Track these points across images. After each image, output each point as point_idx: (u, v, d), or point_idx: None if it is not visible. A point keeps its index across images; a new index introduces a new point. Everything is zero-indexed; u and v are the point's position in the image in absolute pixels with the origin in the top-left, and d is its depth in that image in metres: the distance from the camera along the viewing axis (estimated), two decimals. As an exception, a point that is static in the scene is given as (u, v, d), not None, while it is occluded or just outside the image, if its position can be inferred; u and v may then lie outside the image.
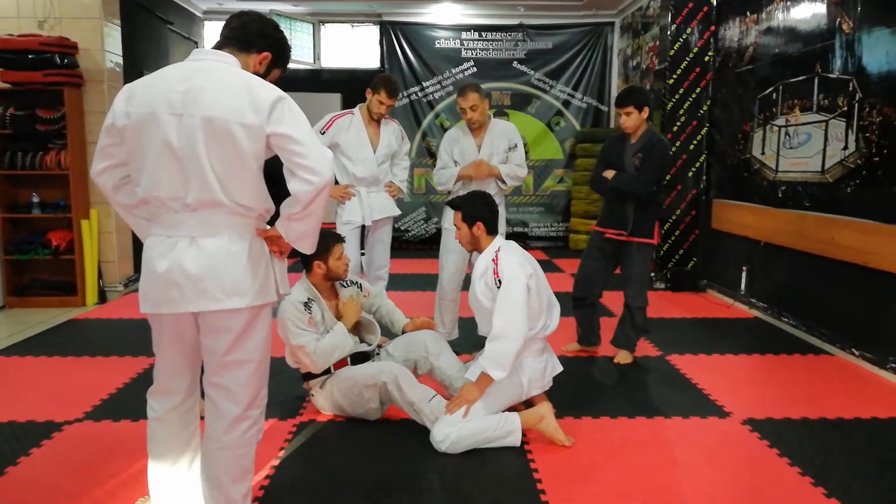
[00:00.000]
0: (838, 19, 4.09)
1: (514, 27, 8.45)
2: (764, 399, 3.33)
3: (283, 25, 8.61)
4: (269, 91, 1.82)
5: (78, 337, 4.48)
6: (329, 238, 2.97)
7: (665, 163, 3.79)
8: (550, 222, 8.61)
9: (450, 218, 4.06)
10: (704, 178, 5.94)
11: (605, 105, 8.65)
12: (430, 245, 8.43)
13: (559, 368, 3.01)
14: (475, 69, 8.49)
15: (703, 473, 2.58)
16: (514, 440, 2.73)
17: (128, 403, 3.23)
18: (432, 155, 8.51)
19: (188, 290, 1.83)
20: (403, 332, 3.33)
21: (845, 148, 4.01)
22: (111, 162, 1.93)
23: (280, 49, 2.03)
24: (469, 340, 4.15)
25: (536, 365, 2.86)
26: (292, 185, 1.83)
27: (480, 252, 2.92)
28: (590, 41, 8.55)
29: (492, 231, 2.92)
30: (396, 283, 5.01)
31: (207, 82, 1.81)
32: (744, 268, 5.25)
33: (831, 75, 4.15)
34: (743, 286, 5.28)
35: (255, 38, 1.96)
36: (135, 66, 5.96)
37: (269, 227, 2.00)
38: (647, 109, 3.65)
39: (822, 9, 4.27)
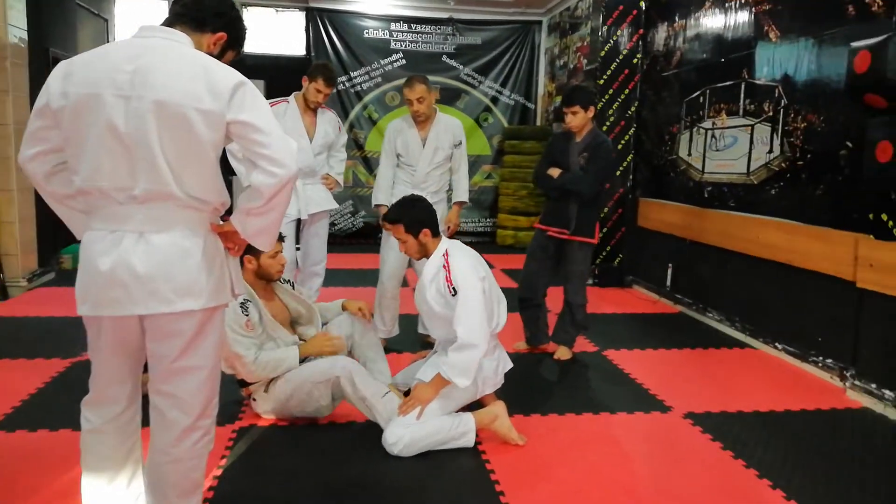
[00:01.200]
0: (765, 27, 4.27)
1: (444, 21, 8.39)
2: (700, 393, 3.43)
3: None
4: (229, 74, 1.68)
5: (-22, 337, 4.09)
6: None
7: (610, 163, 3.84)
8: (478, 218, 8.63)
9: None
10: (631, 177, 6.09)
11: (531, 102, 8.74)
12: (357, 239, 8.28)
13: (510, 365, 2.97)
14: (404, 61, 8.37)
15: (654, 468, 2.62)
16: (469, 441, 2.69)
17: (44, 410, 2.96)
18: (360, 147, 8.35)
19: (135, 290, 1.66)
20: (344, 310, 3.25)
21: (770, 151, 4.20)
22: (43, 147, 1.73)
23: (236, 30, 1.87)
24: (409, 338, 4.08)
25: (489, 364, 2.81)
26: (254, 177, 1.69)
27: (428, 257, 2.83)
28: (518, 38, 8.61)
29: (436, 233, 2.83)
30: (331, 278, 4.85)
31: (159, 62, 1.64)
32: (669, 265, 5.43)
33: (758, 81, 4.34)
34: (668, 282, 5.45)
35: (209, 17, 1.80)
36: (40, 43, 5.49)
37: (221, 221, 1.85)
38: (592, 109, 3.68)
39: (748, 17, 4.45)
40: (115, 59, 1.65)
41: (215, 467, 2.50)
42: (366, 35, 8.29)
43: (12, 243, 5.06)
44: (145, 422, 1.90)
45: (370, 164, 8.36)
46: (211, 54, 1.80)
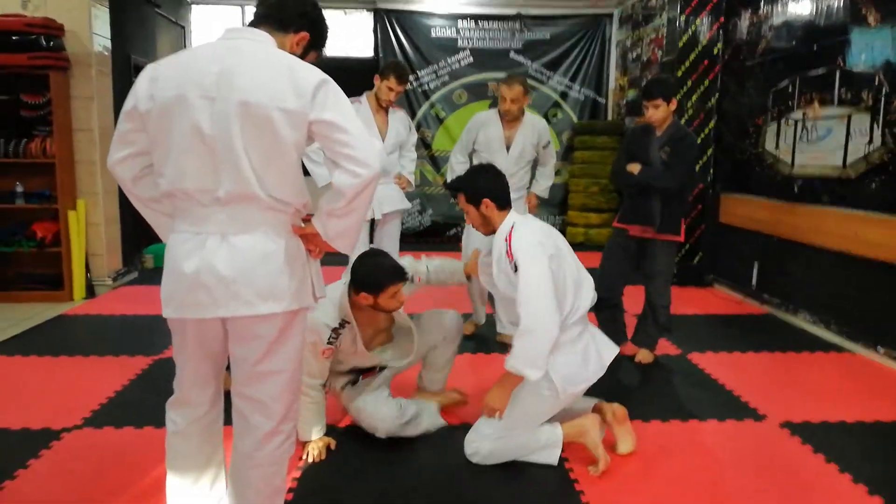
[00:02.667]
0: (863, 10, 3.97)
1: (512, 17, 8.25)
2: (795, 400, 3.22)
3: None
4: (312, 73, 1.64)
5: (68, 334, 4.25)
6: (385, 275, 2.48)
7: (694, 156, 3.66)
8: (547, 215, 8.46)
9: None
10: (711, 171, 5.82)
11: (602, 97, 8.51)
12: (426, 237, 8.24)
13: (612, 352, 2.56)
14: (471, 59, 8.29)
15: (751, 483, 2.46)
16: (552, 456, 2.51)
17: (130, 408, 3.03)
18: (427, 146, 8.32)
19: (218, 292, 1.64)
20: (468, 277, 2.95)
21: (870, 142, 3.91)
22: (131, 150, 1.74)
23: (319, 29, 1.84)
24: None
25: (570, 359, 2.44)
26: (337, 177, 1.64)
27: (495, 232, 2.55)
28: (588, 32, 8.39)
29: (503, 205, 2.53)
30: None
31: (244, 63, 1.62)
32: (755, 262, 5.16)
33: (854, 69, 4.04)
34: (754, 281, 5.18)
35: (292, 17, 1.77)
36: (123, 50, 5.69)
37: (303, 223, 1.82)
38: (674, 101, 3.51)
39: (842, 1, 4.16)
40: (201, 62, 1.63)
41: (294, 468, 2.48)
42: (433, 34, 8.24)
43: (99, 244, 5.26)
44: (228, 422, 1.90)
45: (437, 163, 8.32)
46: (294, 54, 1.77)
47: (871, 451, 2.71)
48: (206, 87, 1.60)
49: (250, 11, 8.07)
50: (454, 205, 8.02)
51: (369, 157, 1.63)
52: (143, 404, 3.05)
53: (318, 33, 1.84)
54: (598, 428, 2.56)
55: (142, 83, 1.68)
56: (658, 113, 3.48)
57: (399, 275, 2.52)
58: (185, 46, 7.93)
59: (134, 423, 2.86)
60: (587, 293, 2.52)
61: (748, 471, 2.54)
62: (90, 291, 5.19)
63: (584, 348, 2.50)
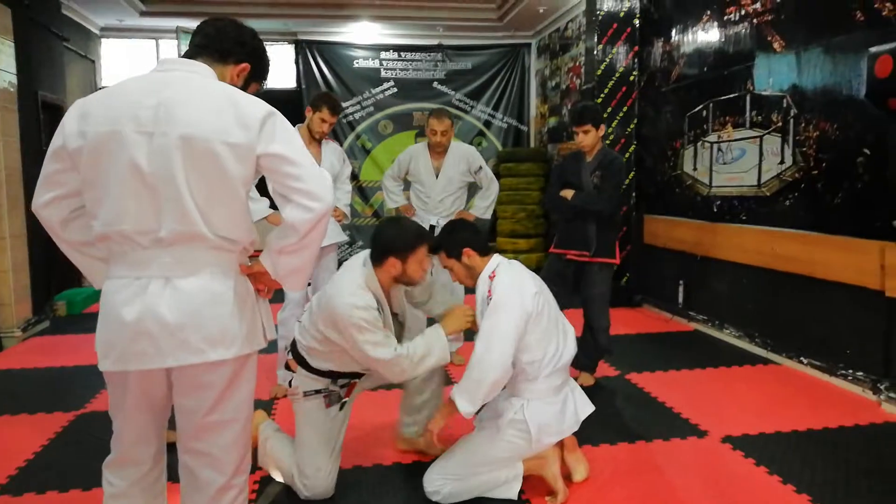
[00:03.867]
0: (768, 38, 4.24)
1: (433, 48, 8.38)
2: (732, 414, 3.32)
3: (191, 44, 8.19)
4: (257, 106, 1.58)
5: (-25, 393, 3.90)
6: (414, 233, 2.43)
7: (623, 178, 3.78)
8: (476, 242, 8.54)
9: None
10: (634, 194, 6.03)
11: (524, 125, 8.71)
12: (355, 270, 8.13)
13: (588, 409, 2.54)
14: (395, 89, 8.33)
15: (702, 499, 2.49)
16: (512, 490, 2.47)
17: (52, 470, 2.79)
18: (355, 177, 8.26)
19: (164, 341, 1.54)
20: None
21: (782, 162, 4.14)
22: (60, 192, 1.61)
23: (260, 60, 1.78)
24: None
25: (548, 408, 2.42)
26: (288, 212, 1.58)
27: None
28: (508, 62, 8.61)
29: (484, 252, 2.54)
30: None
31: (182, 95, 1.54)
32: (680, 281, 5.35)
33: (764, 92, 4.30)
34: (681, 300, 5.36)
35: (232, 47, 1.71)
36: (30, 86, 5.38)
37: (249, 261, 1.73)
38: (602, 127, 3.62)
39: (749, 29, 4.43)
40: (136, 95, 1.54)
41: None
42: (356, 65, 8.25)
43: (6, 292, 4.89)
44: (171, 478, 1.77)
45: (366, 194, 8.26)
46: (234, 87, 1.70)
47: (808, 459, 2.81)
48: (143, 121, 1.51)
49: (165, 45, 7.84)
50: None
51: (322, 190, 1.58)
52: (67, 465, 2.82)
53: (260, 64, 1.78)
54: (558, 460, 2.55)
55: (70, 120, 1.57)
56: (588, 138, 3.57)
57: (427, 236, 2.48)
58: (95, 81, 7.60)
59: (58, 486, 2.63)
60: (571, 342, 2.53)
61: (697, 488, 2.59)
62: (-2, 344, 4.81)
63: (564, 400, 2.49)
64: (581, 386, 3.69)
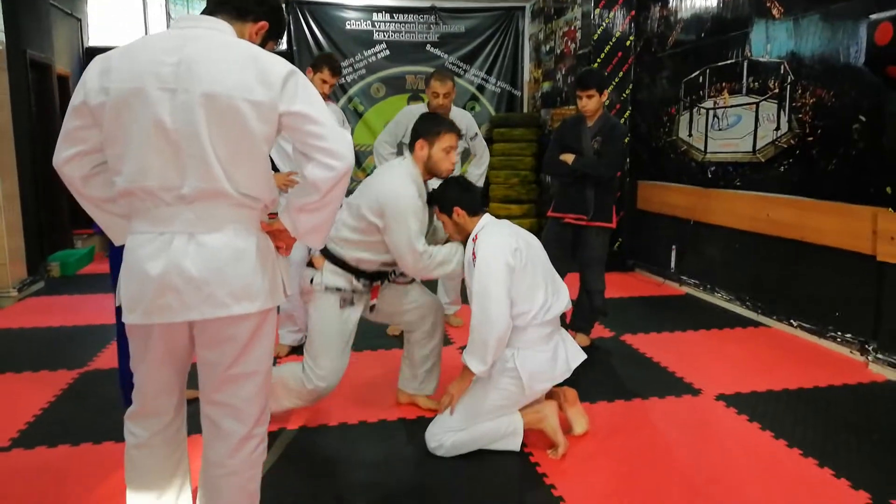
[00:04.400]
0: (767, 3, 4.25)
1: (426, 9, 8.27)
2: (725, 374, 3.42)
3: (180, 5, 8.02)
4: (280, 64, 1.58)
5: (-25, 352, 3.92)
6: (442, 122, 2.71)
7: (624, 144, 3.81)
8: (468, 208, 8.56)
9: None
10: (628, 160, 6.07)
11: (518, 90, 8.67)
12: (348, 234, 8.15)
13: (579, 357, 2.63)
14: (388, 52, 8.24)
15: (698, 454, 2.59)
16: (514, 443, 2.56)
17: (62, 425, 2.83)
18: (347, 141, 8.21)
19: (189, 295, 1.56)
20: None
21: (777, 128, 4.19)
22: (82, 148, 1.62)
23: (278, 18, 1.78)
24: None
25: (538, 356, 2.51)
26: (309, 170, 1.60)
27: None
28: (502, 25, 8.52)
29: (474, 212, 2.62)
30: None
31: (204, 53, 1.54)
32: (673, 246, 5.42)
33: (761, 59, 4.32)
34: (673, 264, 5.45)
35: (251, 5, 1.70)
36: (18, 45, 5.28)
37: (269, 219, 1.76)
38: (606, 93, 3.65)
39: (748, -6, 4.43)
40: (157, 52, 1.54)
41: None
42: (348, 26, 8.14)
43: (1, 253, 4.87)
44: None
45: (358, 159, 8.22)
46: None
47: (799, 416, 2.91)
48: (165, 78, 1.52)
49: (152, 3, 7.68)
50: (377, 199, 7.96)
51: (343, 148, 1.60)
52: (77, 420, 2.87)
53: (278, 22, 1.78)
54: (556, 413, 2.63)
55: (92, 75, 1.57)
56: (591, 103, 3.60)
57: (454, 127, 2.71)
58: (82, 39, 7.45)
59: (69, 440, 2.68)
60: (563, 297, 2.61)
61: (694, 443, 2.69)
62: (-7, 304, 4.81)
63: (555, 348, 2.57)
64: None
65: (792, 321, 4.12)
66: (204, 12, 1.69)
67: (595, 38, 5.93)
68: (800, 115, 3.99)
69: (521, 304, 2.47)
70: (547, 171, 4.15)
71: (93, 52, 5.67)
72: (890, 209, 3.29)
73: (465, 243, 2.65)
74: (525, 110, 8.65)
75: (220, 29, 1.62)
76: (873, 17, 3.02)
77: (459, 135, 2.76)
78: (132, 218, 1.63)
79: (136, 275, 1.59)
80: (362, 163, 8.18)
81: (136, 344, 1.72)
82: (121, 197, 1.62)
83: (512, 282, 2.44)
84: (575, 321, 3.94)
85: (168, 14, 7.58)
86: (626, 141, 3.79)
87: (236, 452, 1.72)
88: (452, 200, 2.63)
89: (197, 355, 1.70)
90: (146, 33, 6.93)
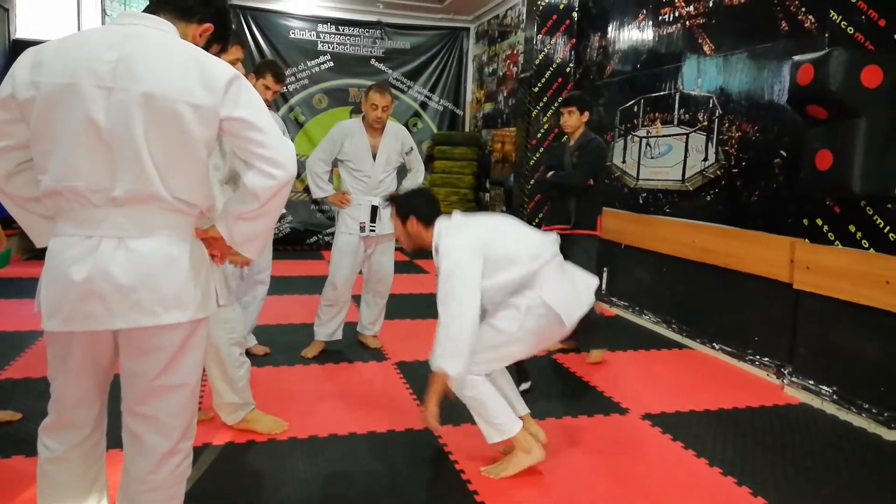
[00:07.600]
0: (699, 40, 4.45)
1: (372, 24, 8.30)
2: (650, 394, 3.52)
3: (119, 6, 7.77)
4: (223, 68, 1.55)
5: None
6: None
7: (600, 157, 3.96)
8: (407, 223, 8.57)
9: (346, 220, 3.88)
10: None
11: (460, 109, 8.78)
12: (284, 245, 8.01)
13: (594, 282, 2.67)
14: (332, 63, 8.22)
15: (626, 471, 2.65)
16: (493, 437, 2.53)
17: (-34, 437, 2.66)
18: (286, 150, 8.11)
19: (115, 302, 1.50)
20: None
21: (705, 159, 4.38)
22: (6, 143, 1.55)
23: (224, 21, 1.74)
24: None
25: (561, 286, 2.51)
26: (249, 178, 1.57)
27: (427, 249, 2.62)
28: (447, 44, 8.64)
29: (428, 222, 2.60)
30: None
31: (145, 52, 1.50)
32: (605, 268, 5.57)
33: (692, 92, 4.52)
34: (604, 286, 5.59)
35: (196, 5, 1.66)
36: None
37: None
38: (587, 114, 3.91)
39: (682, 31, 4.64)
40: (94, 47, 1.49)
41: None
42: (291, 35, 8.08)
43: None
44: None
45: (298, 169, 8.12)
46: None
47: (719, 435, 3.03)
48: (101, 75, 1.47)
49: (87, -3, 7.40)
50: (314, 212, 7.87)
51: (285, 158, 1.58)
52: (-12, 432, 2.70)
53: (223, 25, 1.75)
54: (539, 459, 2.59)
55: (21, 69, 1.50)
56: (571, 119, 3.91)
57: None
58: (9, 31, 7.10)
59: (-17, 453, 2.52)
60: (553, 242, 2.62)
61: (620, 461, 2.75)
62: None
63: (572, 278, 2.63)
64: (594, 363, 3.96)
65: (714, 344, 4.28)
66: (147, 10, 1.64)
67: (537, 62, 6.07)
68: (726, 148, 4.19)
69: (522, 254, 2.48)
70: (539, 192, 4.43)
71: (21, 45, 5.42)
72: (806, 240, 3.48)
73: (415, 251, 2.70)
74: (466, 129, 8.77)
75: (163, 28, 1.58)
76: (796, 58, 3.21)
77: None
78: (57, 219, 1.56)
79: (58, 279, 1.52)
80: (301, 174, 8.08)
81: (55, 352, 1.64)
82: (46, 197, 1.55)
83: (486, 267, 2.42)
84: (579, 341, 4.03)
85: (103, 10, 7.33)
86: (605, 153, 3.97)
87: (159, 468, 1.65)
88: (410, 209, 2.62)
89: (120, 365, 1.64)
90: (79, 28, 6.67)
